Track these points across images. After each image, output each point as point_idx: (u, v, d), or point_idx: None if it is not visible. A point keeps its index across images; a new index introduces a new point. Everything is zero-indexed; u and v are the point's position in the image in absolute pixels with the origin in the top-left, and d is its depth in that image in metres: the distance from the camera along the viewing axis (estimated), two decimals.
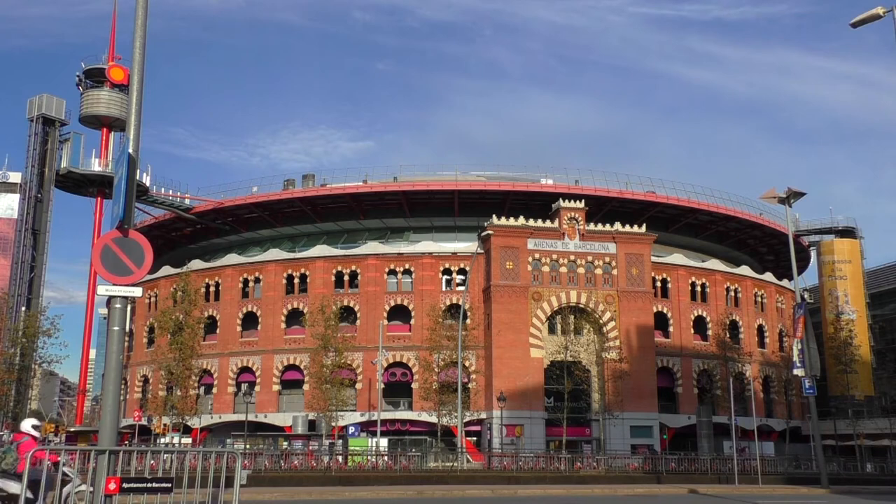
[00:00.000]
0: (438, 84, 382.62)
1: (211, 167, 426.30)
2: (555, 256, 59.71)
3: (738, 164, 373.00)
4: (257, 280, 65.06)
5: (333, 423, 52.61)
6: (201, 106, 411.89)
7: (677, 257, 67.24)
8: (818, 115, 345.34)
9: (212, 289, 65.99)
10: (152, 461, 28.50)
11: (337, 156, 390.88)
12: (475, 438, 58.56)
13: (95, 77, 73.91)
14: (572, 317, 57.95)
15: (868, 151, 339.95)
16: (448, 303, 60.21)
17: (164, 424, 54.39)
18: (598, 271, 60.29)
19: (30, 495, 11.49)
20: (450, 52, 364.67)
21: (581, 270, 59.92)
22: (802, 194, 40.85)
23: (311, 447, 48.96)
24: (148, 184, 67.86)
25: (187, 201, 70.96)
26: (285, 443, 54.48)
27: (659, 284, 64.24)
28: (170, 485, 10.14)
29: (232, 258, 68.16)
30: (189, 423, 56.30)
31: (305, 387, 59.81)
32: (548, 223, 60.52)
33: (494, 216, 59.50)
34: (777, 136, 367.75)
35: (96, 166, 71.23)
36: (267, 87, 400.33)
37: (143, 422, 57.53)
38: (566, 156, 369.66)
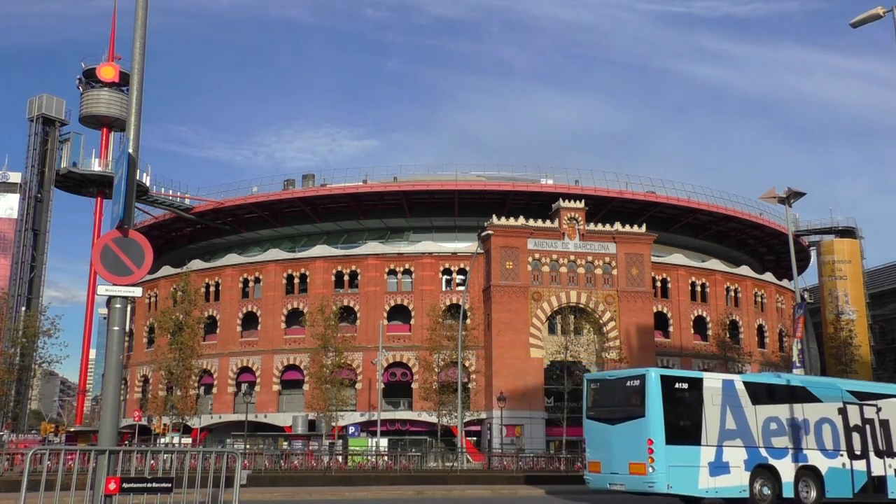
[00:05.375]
0: (446, 82, 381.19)
1: (215, 166, 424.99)
2: (555, 256, 59.73)
3: (746, 162, 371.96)
4: (257, 280, 65.08)
5: (333, 423, 52.62)
6: (206, 104, 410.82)
7: (677, 257, 67.26)
8: (827, 113, 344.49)
9: (212, 289, 66.01)
10: (152, 461, 28.48)
11: (342, 154, 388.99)
12: (475, 438, 58.56)
13: (95, 77, 73.94)
14: (572, 317, 58.00)
15: (878, 149, 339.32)
16: (448, 303, 60.23)
17: (164, 424, 54.36)
18: (598, 271, 60.31)
19: None
20: (458, 49, 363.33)
21: (581, 270, 59.93)
22: (802, 194, 40.74)
23: (311, 447, 48.86)
24: (148, 184, 67.89)
25: (187, 201, 70.98)
26: (285, 443, 54.42)
27: (659, 284, 64.25)
28: (170, 485, 10.15)
29: (232, 258, 68.18)
30: (189, 423, 56.28)
31: (305, 387, 59.82)
32: (548, 223, 60.54)
33: (494, 216, 59.51)
34: (785, 133, 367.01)
35: (96, 166, 71.30)
36: (273, 85, 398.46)
37: (143, 422, 57.52)
38: (574, 154, 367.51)
